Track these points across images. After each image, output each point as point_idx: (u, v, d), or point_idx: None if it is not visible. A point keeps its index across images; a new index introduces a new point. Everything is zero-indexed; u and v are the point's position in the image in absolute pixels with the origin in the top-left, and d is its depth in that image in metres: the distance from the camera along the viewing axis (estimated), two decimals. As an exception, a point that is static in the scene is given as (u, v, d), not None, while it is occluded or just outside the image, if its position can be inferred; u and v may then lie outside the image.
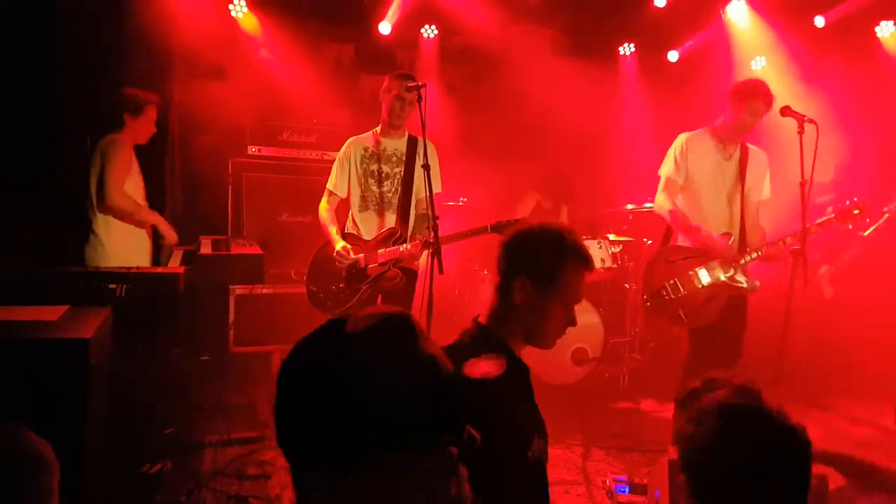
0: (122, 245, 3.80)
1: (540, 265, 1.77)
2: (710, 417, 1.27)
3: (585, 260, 1.78)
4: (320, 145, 5.21)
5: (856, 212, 3.46)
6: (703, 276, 3.57)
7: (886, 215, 4.37)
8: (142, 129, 3.93)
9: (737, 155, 3.66)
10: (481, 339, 1.79)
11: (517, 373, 1.75)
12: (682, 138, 3.72)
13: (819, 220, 3.48)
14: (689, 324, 3.66)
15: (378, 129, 3.73)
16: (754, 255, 3.52)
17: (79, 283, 2.90)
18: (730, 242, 3.55)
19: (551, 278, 1.75)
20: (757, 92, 3.49)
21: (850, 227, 3.53)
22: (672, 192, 3.69)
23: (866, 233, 4.48)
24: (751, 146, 3.68)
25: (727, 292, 3.56)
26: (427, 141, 3.43)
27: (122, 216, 3.83)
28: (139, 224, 3.90)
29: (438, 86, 5.67)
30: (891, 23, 5.91)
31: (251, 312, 4.80)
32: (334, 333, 0.93)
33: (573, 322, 1.80)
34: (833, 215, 3.50)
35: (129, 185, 3.82)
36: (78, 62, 4.26)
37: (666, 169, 3.72)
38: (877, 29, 5.96)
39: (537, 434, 1.71)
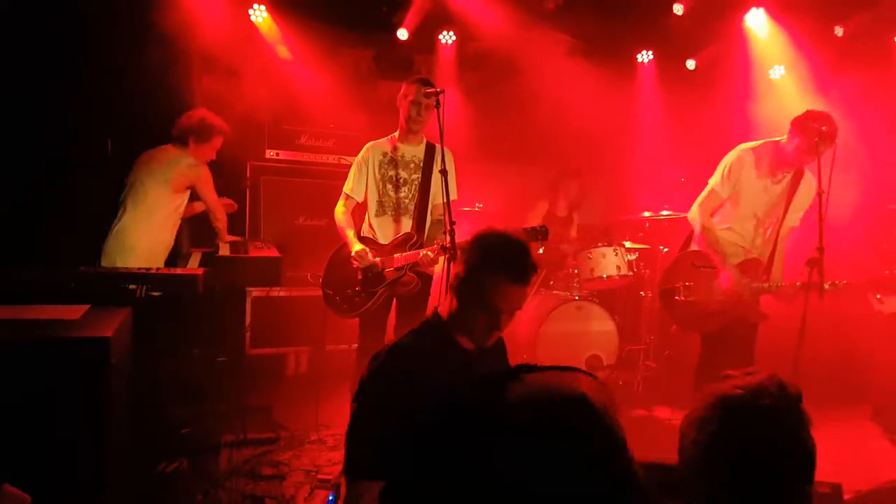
0: (154, 257, 3.99)
1: (468, 269, 1.91)
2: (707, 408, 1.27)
3: (511, 273, 1.86)
4: (337, 150, 5.25)
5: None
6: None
7: None
8: (205, 154, 4.15)
9: (787, 179, 3.57)
10: (426, 328, 2.01)
11: (445, 357, 1.93)
12: (737, 151, 3.61)
13: (845, 282, 3.41)
14: (689, 328, 3.73)
15: (396, 134, 3.75)
16: (766, 286, 3.52)
17: (99, 283, 2.94)
18: (761, 267, 3.55)
19: (474, 284, 1.88)
20: (825, 133, 3.31)
21: (878, 296, 3.53)
22: (710, 206, 3.66)
23: None
24: (807, 172, 3.55)
25: (737, 313, 3.55)
26: (445, 148, 3.45)
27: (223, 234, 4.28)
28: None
29: (456, 91, 5.69)
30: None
31: (267, 315, 4.85)
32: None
33: (497, 326, 1.91)
34: (865, 281, 3.53)
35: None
36: (99, 66, 4.33)
37: (714, 180, 3.67)
38: (896, 38, 5.90)
39: None
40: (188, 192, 4.11)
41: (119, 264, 3.86)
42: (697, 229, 3.66)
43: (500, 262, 1.85)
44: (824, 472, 3.75)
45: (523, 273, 1.85)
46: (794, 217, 3.61)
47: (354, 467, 1.81)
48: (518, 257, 1.86)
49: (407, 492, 1.76)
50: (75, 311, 2.54)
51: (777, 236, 3.58)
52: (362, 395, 1.86)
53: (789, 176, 3.57)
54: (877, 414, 4.58)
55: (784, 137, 3.51)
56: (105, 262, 3.88)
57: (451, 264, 3.08)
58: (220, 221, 4.28)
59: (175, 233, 4.13)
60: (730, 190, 3.60)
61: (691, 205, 3.77)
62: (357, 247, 3.55)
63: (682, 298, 3.65)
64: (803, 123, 3.39)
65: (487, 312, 1.88)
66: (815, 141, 3.31)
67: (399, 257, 3.54)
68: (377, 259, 3.55)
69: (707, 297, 3.58)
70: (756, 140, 3.66)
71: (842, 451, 4.09)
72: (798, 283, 3.40)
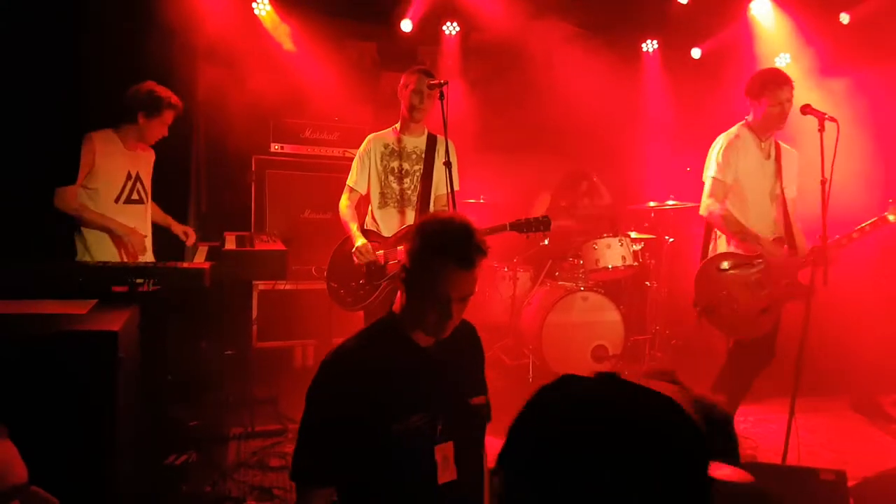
0: (97, 247, 3.66)
1: (412, 259, 1.83)
2: None
3: (453, 256, 1.76)
4: (342, 143, 5.26)
5: None
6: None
7: None
8: (153, 130, 3.77)
9: (773, 153, 3.58)
10: (378, 326, 1.93)
11: (396, 355, 1.84)
12: (722, 139, 3.61)
13: (871, 221, 3.34)
14: (744, 335, 3.56)
15: (398, 125, 3.75)
16: (803, 259, 3.41)
17: (106, 276, 2.96)
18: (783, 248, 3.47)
19: (418, 273, 1.81)
20: (777, 80, 3.42)
21: None
22: (720, 194, 3.56)
23: None
24: (782, 144, 3.60)
25: (782, 302, 3.43)
26: (447, 140, 3.45)
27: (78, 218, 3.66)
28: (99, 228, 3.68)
29: (460, 82, 5.68)
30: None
31: (274, 308, 4.88)
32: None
33: (448, 315, 1.79)
34: (890, 213, 3.35)
35: (96, 183, 3.63)
36: (101, 59, 4.33)
37: (711, 170, 3.59)
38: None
39: (419, 412, 1.79)
40: (106, 172, 3.69)
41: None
42: (718, 219, 3.53)
43: (440, 247, 1.76)
44: (827, 460, 3.76)
45: (466, 256, 1.76)
46: (792, 188, 3.58)
47: (303, 473, 1.77)
48: (460, 240, 1.77)
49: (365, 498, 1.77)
50: (83, 306, 2.56)
51: (787, 212, 3.52)
52: (309, 398, 1.79)
53: (773, 149, 3.58)
54: (856, 405, 4.56)
55: (750, 115, 3.57)
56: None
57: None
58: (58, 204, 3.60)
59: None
60: (732, 175, 3.55)
61: (696, 194, 3.73)
62: (359, 241, 3.56)
63: (727, 310, 3.47)
64: (754, 85, 3.50)
65: (435, 302, 1.78)
66: (775, 91, 3.39)
67: (402, 250, 3.54)
68: (380, 252, 3.56)
69: (751, 298, 3.43)
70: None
71: (841, 439, 4.11)
72: (840, 237, 3.32)
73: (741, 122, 3.63)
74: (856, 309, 4.55)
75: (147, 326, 2.85)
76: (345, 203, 3.74)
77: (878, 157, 4.98)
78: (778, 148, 3.59)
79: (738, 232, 3.48)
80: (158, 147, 3.92)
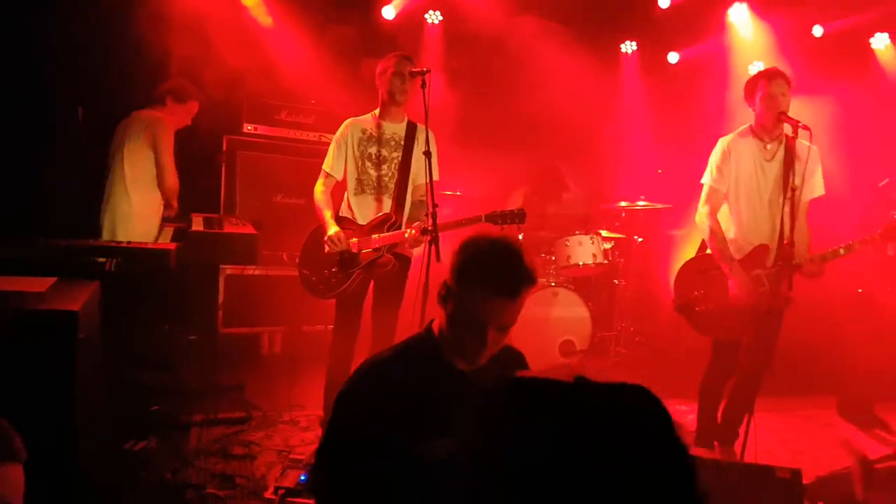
0: (151, 219, 4.07)
1: (454, 280, 1.69)
2: None
3: (495, 284, 1.62)
4: (318, 127, 5.16)
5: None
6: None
7: None
8: (181, 117, 4.15)
9: (780, 153, 3.44)
10: (415, 344, 1.79)
11: (433, 379, 1.72)
12: (722, 143, 3.53)
13: (862, 239, 3.29)
14: (717, 336, 3.59)
15: (377, 111, 3.69)
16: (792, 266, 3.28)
17: (67, 255, 2.86)
18: (769, 254, 3.41)
19: (458, 297, 1.68)
20: (770, 74, 3.35)
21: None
22: (716, 204, 3.53)
23: None
24: (800, 140, 3.38)
25: (757, 303, 3.39)
26: (425, 128, 3.40)
27: (172, 197, 4.11)
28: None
29: (441, 73, 5.63)
30: (885, 35, 5.95)
31: (241, 293, 4.78)
32: None
33: (483, 344, 1.67)
34: (879, 232, 3.29)
35: None
36: (73, 34, 4.19)
37: (708, 177, 3.54)
38: (871, 40, 6.01)
39: (440, 437, 1.65)
40: None
41: (120, 235, 3.88)
42: (706, 232, 3.51)
43: (483, 272, 1.63)
44: (786, 460, 3.82)
45: (509, 284, 1.63)
46: (807, 188, 3.41)
47: (321, 487, 1.70)
48: (508, 267, 1.63)
49: None
50: (42, 284, 2.46)
51: (793, 215, 3.25)
52: (337, 414, 1.71)
53: (780, 148, 3.44)
54: (842, 409, 4.64)
55: (753, 120, 3.50)
56: (106, 236, 3.91)
57: (433, 247, 3.06)
58: (170, 187, 4.10)
59: None
60: (727, 183, 3.50)
61: (667, 196, 3.74)
62: (332, 229, 3.50)
63: (702, 309, 3.51)
64: (748, 85, 3.44)
65: (474, 329, 1.66)
66: (766, 85, 3.32)
67: (377, 238, 3.50)
68: (354, 240, 3.51)
69: (725, 301, 3.43)
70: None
71: (805, 438, 4.21)
72: (818, 255, 3.28)
73: (745, 125, 3.55)
74: (847, 313, 4.62)
75: (109, 307, 2.76)
76: (319, 188, 3.67)
77: (847, 168, 5.08)
78: (790, 146, 3.38)
79: (718, 250, 3.46)
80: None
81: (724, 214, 3.57)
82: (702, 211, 3.55)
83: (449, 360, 1.74)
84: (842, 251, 3.30)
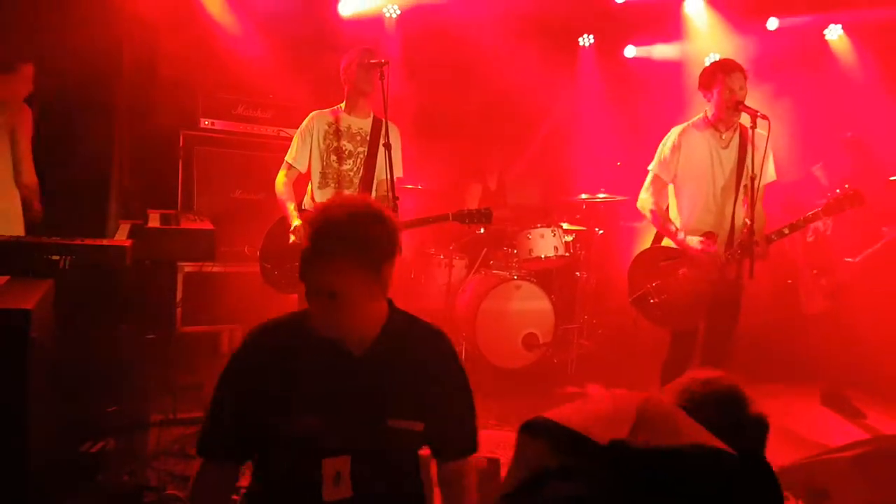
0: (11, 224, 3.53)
1: None
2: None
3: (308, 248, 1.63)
4: (277, 121, 5.09)
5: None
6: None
7: (885, 239, 4.29)
8: (15, 86, 3.58)
9: (735, 140, 3.45)
10: (299, 315, 1.77)
11: (317, 351, 1.68)
12: (673, 133, 3.54)
13: (810, 213, 3.34)
14: (673, 327, 3.59)
15: (342, 105, 3.67)
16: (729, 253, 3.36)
17: (19, 253, 2.77)
18: (717, 241, 3.40)
19: None
20: (725, 68, 3.35)
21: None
22: (657, 190, 3.56)
23: (857, 258, 4.44)
24: (760, 131, 3.35)
25: (712, 290, 3.42)
26: (390, 123, 3.39)
27: (34, 197, 3.60)
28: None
29: (400, 67, 5.61)
30: (839, 26, 6.13)
31: (200, 291, 4.69)
32: None
33: (316, 311, 1.64)
34: (820, 208, 3.35)
35: None
36: (18, 22, 4.05)
37: (654, 165, 3.57)
38: (825, 32, 6.18)
39: (316, 416, 1.64)
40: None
41: None
42: (648, 214, 3.56)
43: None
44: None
45: (315, 244, 1.61)
46: (764, 172, 3.39)
47: (206, 447, 1.71)
48: (316, 226, 1.63)
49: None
50: (-8, 282, 2.39)
51: (752, 198, 3.28)
52: (222, 372, 1.71)
53: (735, 136, 3.45)
54: (825, 399, 4.64)
55: (708, 107, 3.48)
56: None
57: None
58: (28, 184, 3.58)
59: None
60: (672, 172, 3.51)
61: (626, 188, 3.78)
62: (296, 222, 3.47)
63: (656, 300, 3.52)
64: (704, 77, 3.43)
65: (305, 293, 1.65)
66: (724, 80, 3.31)
67: None
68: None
69: (679, 291, 3.45)
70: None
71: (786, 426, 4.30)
72: (763, 236, 3.30)
73: (699, 115, 3.55)
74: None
75: (63, 306, 2.68)
76: (281, 180, 3.62)
77: (799, 156, 5.23)
78: (745, 135, 3.39)
79: (663, 227, 3.51)
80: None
81: (672, 203, 3.60)
82: (643, 196, 3.61)
83: (327, 337, 1.66)
84: (786, 231, 3.38)
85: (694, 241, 3.40)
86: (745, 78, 3.38)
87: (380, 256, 1.65)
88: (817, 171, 4.86)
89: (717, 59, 3.59)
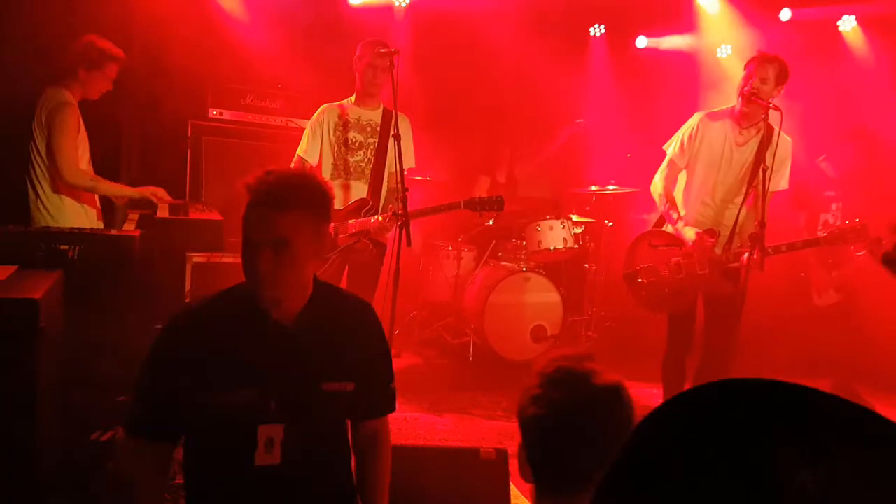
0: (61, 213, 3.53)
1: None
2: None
3: (256, 194, 1.67)
4: (286, 111, 5.07)
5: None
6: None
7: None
8: (96, 84, 3.61)
9: (754, 141, 3.36)
10: (235, 290, 1.79)
11: (245, 322, 1.71)
12: (695, 118, 3.48)
13: (806, 240, 3.37)
14: (654, 310, 3.63)
15: (353, 98, 3.67)
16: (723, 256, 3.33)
17: (29, 243, 2.77)
18: (717, 240, 3.37)
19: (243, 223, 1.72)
20: (766, 57, 3.26)
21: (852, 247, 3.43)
22: (670, 175, 3.54)
23: (861, 252, 4.38)
24: (784, 135, 3.30)
25: (700, 286, 3.41)
26: (401, 114, 3.37)
27: (79, 194, 3.57)
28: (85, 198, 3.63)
29: (410, 57, 5.58)
30: (853, 17, 6.05)
31: (209, 281, 4.68)
32: None
33: (253, 262, 1.65)
34: (824, 234, 3.34)
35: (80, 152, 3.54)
36: (29, 15, 4.05)
37: (671, 148, 3.52)
38: (839, 23, 6.10)
39: (251, 387, 1.67)
40: (86, 137, 3.62)
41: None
42: (657, 198, 3.55)
43: (249, 191, 1.71)
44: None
45: (266, 192, 1.66)
46: (776, 179, 3.31)
47: (133, 423, 1.73)
48: (266, 180, 1.68)
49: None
50: (2, 272, 2.39)
51: (765, 191, 3.17)
52: (150, 348, 1.73)
53: (756, 138, 3.36)
54: (835, 392, 4.68)
55: (737, 102, 3.38)
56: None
57: (403, 231, 3.04)
58: (67, 176, 3.46)
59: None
60: (687, 159, 3.47)
61: (637, 180, 3.76)
62: None
63: (644, 281, 3.53)
64: (747, 62, 3.36)
65: (248, 251, 1.67)
66: (754, 64, 3.25)
67: (354, 223, 3.47)
68: (331, 225, 3.47)
69: (669, 277, 3.47)
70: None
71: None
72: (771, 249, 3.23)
73: (729, 106, 3.46)
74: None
75: (72, 296, 2.68)
76: None
77: (812, 150, 5.17)
78: (766, 137, 3.27)
79: (666, 214, 3.51)
80: (84, 104, 3.68)
81: (678, 190, 3.59)
82: (656, 179, 3.59)
83: (264, 308, 1.69)
84: (783, 248, 3.34)
85: (690, 233, 3.37)
86: (780, 78, 3.25)
87: (326, 214, 1.74)
88: (822, 164, 4.82)
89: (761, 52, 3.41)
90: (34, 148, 3.52)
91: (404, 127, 3.44)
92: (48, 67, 3.74)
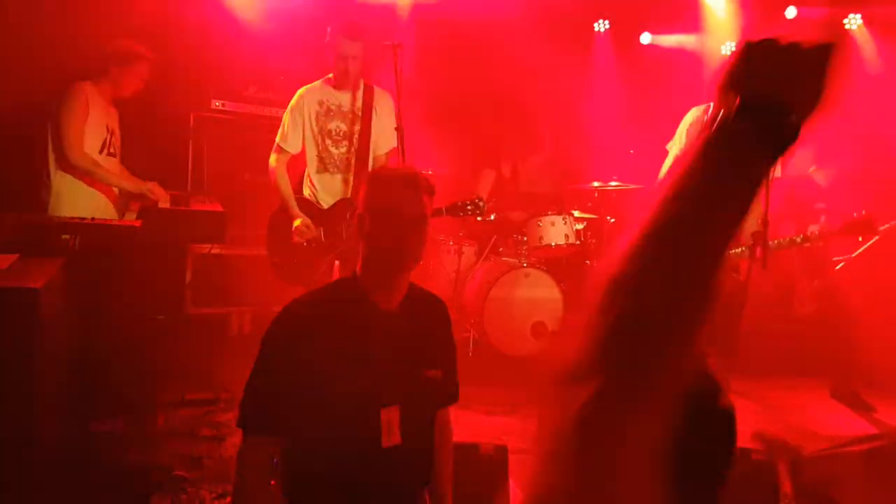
0: (84, 207, 3.59)
1: (367, 201, 1.85)
2: None
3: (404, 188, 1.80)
4: (288, 103, 5.05)
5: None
6: None
7: (876, 237, 4.22)
8: (127, 81, 3.77)
9: None
10: (340, 283, 1.98)
11: (351, 314, 1.79)
12: (692, 112, 3.55)
13: (821, 231, 3.42)
14: None
15: (331, 75, 3.55)
16: (739, 250, 3.38)
17: (30, 231, 2.77)
18: None
19: (374, 210, 1.82)
20: None
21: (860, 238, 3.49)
22: None
23: (854, 254, 4.41)
24: None
25: None
26: (381, 90, 3.30)
27: (81, 176, 3.62)
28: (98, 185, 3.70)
29: (412, 49, 5.55)
30: (859, 16, 6.02)
31: (209, 273, 4.69)
32: None
33: (405, 240, 1.79)
34: (840, 226, 3.40)
35: (88, 138, 3.60)
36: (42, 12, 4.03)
37: (673, 144, 3.57)
38: (845, 21, 6.07)
39: (368, 373, 1.74)
40: (95, 126, 3.68)
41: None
42: None
43: (387, 181, 1.86)
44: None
45: (410, 204, 1.80)
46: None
47: (248, 422, 1.74)
48: (406, 189, 1.79)
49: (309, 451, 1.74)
50: (2, 261, 2.38)
51: (761, 198, 3.32)
52: (262, 343, 1.78)
53: None
54: (835, 392, 4.60)
55: None
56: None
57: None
58: (75, 163, 3.55)
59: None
60: None
61: (639, 176, 3.75)
62: (297, 221, 3.42)
63: None
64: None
65: (385, 256, 1.79)
66: None
67: (343, 227, 3.44)
68: (320, 230, 3.43)
69: None
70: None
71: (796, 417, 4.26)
72: (775, 242, 3.34)
73: None
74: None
75: (73, 286, 2.68)
76: (280, 168, 3.53)
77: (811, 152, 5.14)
78: None
79: None
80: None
81: None
82: (663, 172, 3.64)
83: (371, 298, 1.80)
84: (798, 240, 3.35)
85: None
86: None
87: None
88: (815, 174, 4.82)
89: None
90: (49, 135, 3.61)
91: (384, 103, 3.36)
92: (60, 65, 3.77)
